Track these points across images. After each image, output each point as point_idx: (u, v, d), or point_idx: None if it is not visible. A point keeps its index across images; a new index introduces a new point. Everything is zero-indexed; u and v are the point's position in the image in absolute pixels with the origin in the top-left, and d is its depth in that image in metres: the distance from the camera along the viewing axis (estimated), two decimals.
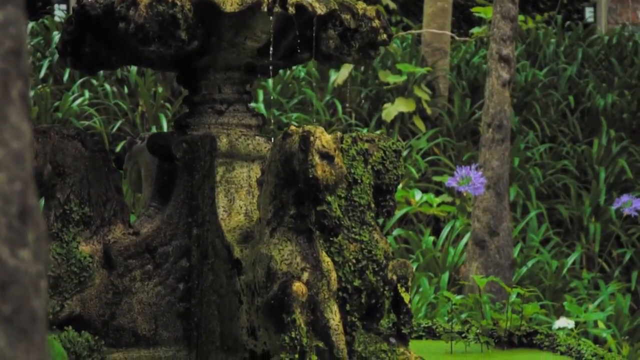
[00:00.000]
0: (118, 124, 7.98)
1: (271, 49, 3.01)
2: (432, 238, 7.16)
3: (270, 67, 3.19)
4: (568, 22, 11.53)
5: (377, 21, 3.33)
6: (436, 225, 7.98)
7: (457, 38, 8.53)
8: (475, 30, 8.64)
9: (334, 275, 2.96)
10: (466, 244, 6.83)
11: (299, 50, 3.15)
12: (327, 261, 2.96)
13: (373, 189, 3.56)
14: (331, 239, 3.35)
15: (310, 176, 2.83)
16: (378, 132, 8.23)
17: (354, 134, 3.62)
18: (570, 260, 7.15)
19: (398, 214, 7.43)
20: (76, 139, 3.21)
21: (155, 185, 3.42)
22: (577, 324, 5.23)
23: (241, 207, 3.27)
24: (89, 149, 3.24)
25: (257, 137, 3.34)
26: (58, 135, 3.19)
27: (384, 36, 3.32)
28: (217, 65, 3.34)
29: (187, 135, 3.35)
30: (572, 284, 6.98)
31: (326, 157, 2.85)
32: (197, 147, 3.30)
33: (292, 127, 2.93)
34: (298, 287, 2.84)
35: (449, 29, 9.18)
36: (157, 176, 3.40)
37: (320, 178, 2.83)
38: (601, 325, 6.01)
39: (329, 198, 2.92)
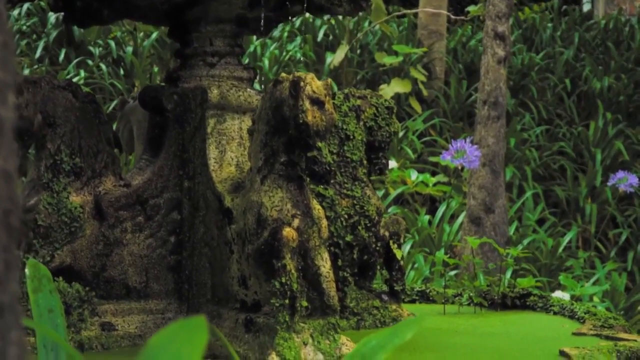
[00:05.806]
0: (113, 103, 7.97)
1: None
2: (427, 217, 7.14)
3: (262, 17, 3.17)
4: (565, 7, 11.52)
5: None
6: (432, 205, 7.97)
7: (452, 17, 8.51)
8: (472, 8, 8.64)
9: (324, 222, 2.94)
10: (461, 223, 6.81)
11: None
12: (317, 208, 2.94)
13: (365, 146, 3.54)
14: (322, 192, 3.33)
15: (301, 122, 2.82)
16: None
17: (346, 90, 3.61)
18: (566, 239, 7.13)
19: (394, 193, 7.42)
20: (67, 90, 3.19)
21: (146, 138, 3.40)
22: (572, 298, 5.22)
23: (232, 159, 3.25)
24: (80, 100, 3.21)
25: (248, 89, 3.32)
26: (49, 85, 3.16)
27: None
28: (208, 17, 3.33)
29: (178, 87, 3.34)
30: (568, 263, 6.97)
31: (317, 102, 2.83)
32: (188, 99, 3.29)
33: (283, 74, 2.92)
34: (288, 232, 2.82)
35: (445, 11, 9.16)
36: (149, 129, 3.39)
37: (311, 123, 2.82)
38: (596, 299, 5.99)
39: (319, 144, 2.90)
